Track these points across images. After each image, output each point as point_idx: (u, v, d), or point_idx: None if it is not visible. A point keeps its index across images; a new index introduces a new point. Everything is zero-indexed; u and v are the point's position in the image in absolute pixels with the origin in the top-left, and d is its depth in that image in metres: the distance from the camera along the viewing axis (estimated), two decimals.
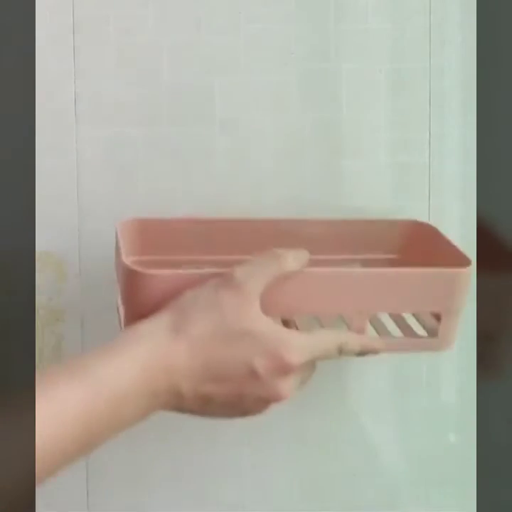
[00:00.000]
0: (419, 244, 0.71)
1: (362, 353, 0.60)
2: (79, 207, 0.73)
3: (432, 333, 0.64)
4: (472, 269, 0.62)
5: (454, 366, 0.75)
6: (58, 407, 0.48)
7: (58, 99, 0.72)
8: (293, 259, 0.59)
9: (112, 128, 0.72)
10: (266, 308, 0.57)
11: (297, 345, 0.55)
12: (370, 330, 0.67)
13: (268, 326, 0.55)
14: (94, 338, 0.72)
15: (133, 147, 0.73)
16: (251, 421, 0.75)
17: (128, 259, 0.61)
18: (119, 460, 0.75)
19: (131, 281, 0.60)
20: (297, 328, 0.65)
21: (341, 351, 0.58)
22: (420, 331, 0.65)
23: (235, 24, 0.72)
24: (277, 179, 0.74)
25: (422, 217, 0.74)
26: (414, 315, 0.67)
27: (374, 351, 0.61)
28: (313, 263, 0.62)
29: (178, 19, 0.72)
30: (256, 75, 0.73)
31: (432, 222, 0.74)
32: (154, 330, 0.54)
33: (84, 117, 0.72)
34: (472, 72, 0.70)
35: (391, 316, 0.68)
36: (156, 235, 0.71)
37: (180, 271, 0.62)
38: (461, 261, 0.63)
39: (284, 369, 0.54)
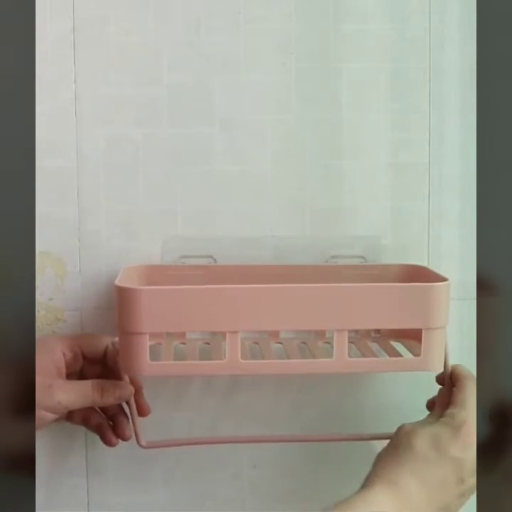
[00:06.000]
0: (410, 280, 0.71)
1: None
2: (79, 207, 0.73)
3: (416, 354, 0.67)
4: (448, 285, 0.65)
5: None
6: None
7: (58, 99, 0.72)
8: None
9: (112, 128, 0.73)
10: (248, 322, 0.63)
11: None
12: (355, 351, 0.71)
13: None
14: None
15: (133, 147, 0.73)
16: (251, 421, 0.76)
17: None
18: (119, 460, 0.75)
19: (120, 298, 0.63)
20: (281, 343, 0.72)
21: None
22: (406, 354, 0.70)
23: (235, 24, 0.72)
24: (277, 179, 0.74)
25: (422, 218, 0.75)
26: (400, 342, 0.72)
27: None
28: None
29: (178, 19, 0.72)
30: (256, 75, 0.73)
31: (431, 223, 0.75)
32: None
33: (84, 117, 0.72)
34: (472, 72, 0.71)
35: (377, 341, 0.73)
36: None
37: (165, 287, 0.65)
38: (440, 280, 0.66)
39: None
